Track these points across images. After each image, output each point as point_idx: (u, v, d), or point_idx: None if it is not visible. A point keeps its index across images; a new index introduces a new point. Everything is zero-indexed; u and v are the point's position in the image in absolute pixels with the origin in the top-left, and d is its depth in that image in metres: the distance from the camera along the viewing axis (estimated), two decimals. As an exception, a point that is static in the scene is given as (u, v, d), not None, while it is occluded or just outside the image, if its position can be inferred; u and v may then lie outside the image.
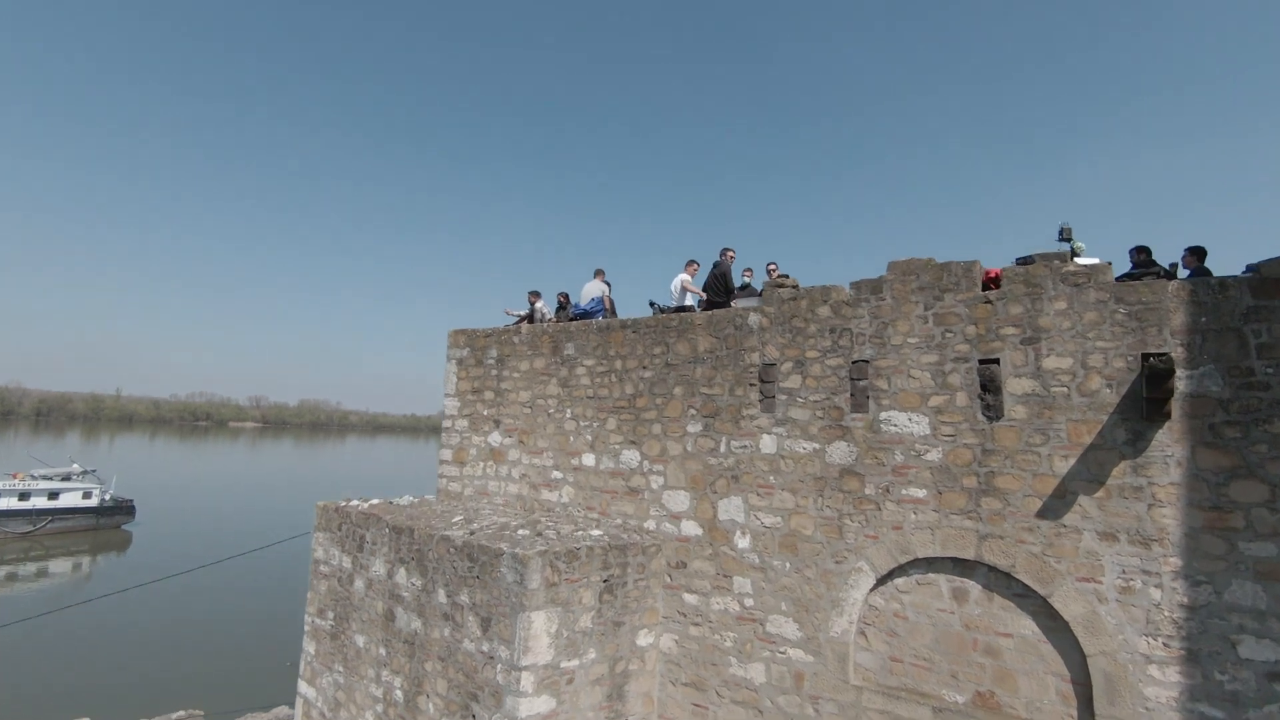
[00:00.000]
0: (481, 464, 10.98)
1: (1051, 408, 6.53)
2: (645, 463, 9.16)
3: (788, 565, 7.80)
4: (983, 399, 6.86)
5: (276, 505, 52.63)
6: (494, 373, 11.07)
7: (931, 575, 7.05)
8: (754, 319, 8.49)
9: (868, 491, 7.40)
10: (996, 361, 6.82)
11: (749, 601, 8.02)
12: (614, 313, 11.21)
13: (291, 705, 10.67)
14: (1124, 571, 6.08)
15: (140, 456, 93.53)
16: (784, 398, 8.09)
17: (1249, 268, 6.04)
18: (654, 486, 9.03)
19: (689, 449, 8.78)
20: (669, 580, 8.69)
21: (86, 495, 44.90)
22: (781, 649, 7.72)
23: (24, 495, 42.64)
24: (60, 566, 37.02)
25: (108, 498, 45.89)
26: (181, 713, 16.79)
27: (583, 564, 7.85)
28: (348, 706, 9.48)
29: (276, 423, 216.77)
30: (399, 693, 8.68)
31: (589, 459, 9.74)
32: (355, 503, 10.64)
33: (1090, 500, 6.27)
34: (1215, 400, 5.88)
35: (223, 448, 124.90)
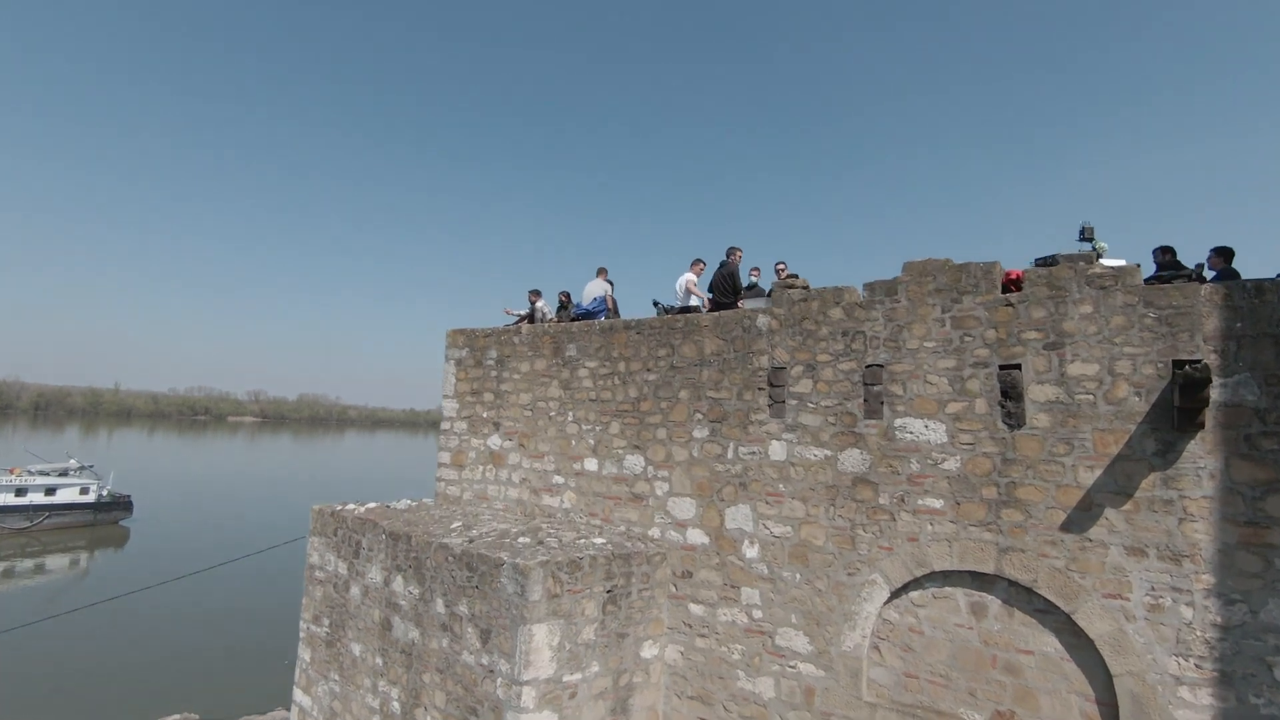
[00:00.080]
0: (481, 467, 10.70)
1: (1076, 416, 6.25)
2: (649, 468, 8.88)
3: (798, 576, 7.54)
4: (1003, 406, 6.58)
5: (274, 500, 52.38)
6: (494, 374, 10.78)
7: (948, 589, 6.79)
8: (763, 321, 8.20)
9: (882, 501, 7.13)
10: (1018, 367, 6.54)
11: (757, 613, 7.76)
12: (617, 313, 10.91)
13: (288, 708, 10.49)
14: (1153, 588, 5.82)
15: (138, 451, 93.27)
16: (794, 402, 7.82)
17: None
18: (659, 493, 8.75)
19: (695, 454, 8.51)
20: (674, 590, 8.42)
21: (84, 491, 44.61)
22: (791, 663, 7.46)
23: (21, 491, 42.40)
24: (57, 563, 36.79)
25: (105, 493, 45.58)
26: (176, 716, 16.57)
27: (585, 574, 7.58)
28: (344, 716, 9.23)
29: (275, 417, 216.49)
30: (396, 704, 8.43)
31: (591, 464, 9.46)
32: (351, 506, 10.37)
33: (1117, 513, 6.00)
34: (1251, 410, 5.60)
35: (221, 442, 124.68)
